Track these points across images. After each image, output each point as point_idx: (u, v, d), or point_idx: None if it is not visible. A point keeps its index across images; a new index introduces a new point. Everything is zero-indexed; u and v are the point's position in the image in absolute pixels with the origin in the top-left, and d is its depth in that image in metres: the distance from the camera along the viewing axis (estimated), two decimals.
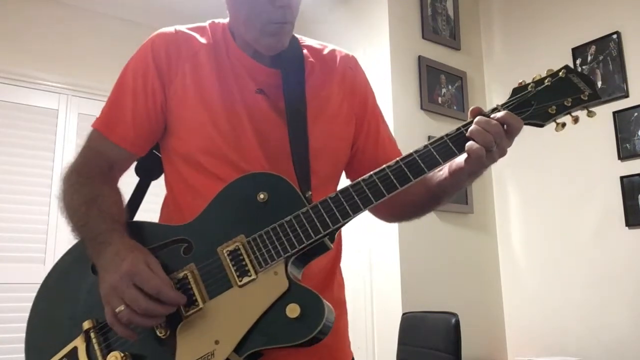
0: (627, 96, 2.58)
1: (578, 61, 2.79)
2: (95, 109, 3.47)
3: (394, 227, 2.68)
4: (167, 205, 1.04)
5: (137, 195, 1.07)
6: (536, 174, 2.92)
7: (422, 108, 2.93)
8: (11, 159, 3.14)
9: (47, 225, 3.16)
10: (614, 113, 2.59)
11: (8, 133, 3.16)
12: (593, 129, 2.63)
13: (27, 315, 3.20)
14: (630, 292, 2.45)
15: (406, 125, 2.83)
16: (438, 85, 3.03)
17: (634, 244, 2.47)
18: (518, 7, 3.17)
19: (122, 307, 0.78)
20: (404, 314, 2.48)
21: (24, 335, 0.95)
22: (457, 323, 2.13)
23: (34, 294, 0.94)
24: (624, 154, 2.54)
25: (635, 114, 2.53)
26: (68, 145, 3.33)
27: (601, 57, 2.70)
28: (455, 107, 3.08)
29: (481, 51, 3.34)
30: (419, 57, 2.98)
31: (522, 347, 2.87)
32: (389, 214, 1.14)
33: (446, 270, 2.81)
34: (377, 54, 2.96)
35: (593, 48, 2.74)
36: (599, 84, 2.68)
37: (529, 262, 2.92)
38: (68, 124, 3.36)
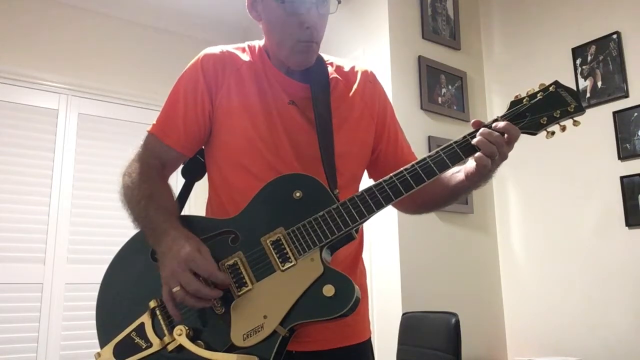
0: (627, 96, 2.57)
1: (578, 61, 2.79)
2: (95, 109, 3.48)
3: (394, 227, 2.68)
4: (211, 202, 1.18)
5: (184, 194, 1.23)
6: (536, 174, 2.92)
7: (422, 108, 2.93)
8: (11, 159, 3.14)
9: (47, 225, 3.16)
10: (614, 113, 2.59)
11: (8, 133, 3.16)
12: (593, 129, 2.63)
13: (26, 314, 3.20)
14: (630, 292, 2.45)
15: (406, 125, 2.78)
16: (438, 85, 3.03)
17: (634, 244, 2.47)
18: (518, 7, 3.17)
19: (178, 288, 0.92)
20: (404, 314, 2.48)
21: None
22: (457, 323, 2.13)
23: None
24: (624, 154, 2.54)
25: (635, 114, 2.53)
26: (68, 145, 3.33)
27: (601, 57, 2.70)
28: (455, 107, 3.08)
29: (481, 51, 3.34)
30: (419, 57, 2.98)
31: (522, 347, 2.87)
32: (413, 208, 1.30)
33: (446, 270, 2.81)
34: (377, 54, 2.96)
35: (593, 48, 2.74)
36: (599, 84, 2.69)
37: (529, 262, 2.92)
38: (68, 124, 3.36)
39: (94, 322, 1.05)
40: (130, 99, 3.57)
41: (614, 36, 2.65)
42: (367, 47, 3.05)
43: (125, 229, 1.11)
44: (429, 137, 2.87)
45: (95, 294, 1.07)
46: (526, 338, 2.87)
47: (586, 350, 2.55)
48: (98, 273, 1.08)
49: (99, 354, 1.00)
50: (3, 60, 3.20)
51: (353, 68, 1.25)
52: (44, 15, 3.39)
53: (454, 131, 2.95)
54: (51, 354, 3.01)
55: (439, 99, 3.02)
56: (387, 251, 2.71)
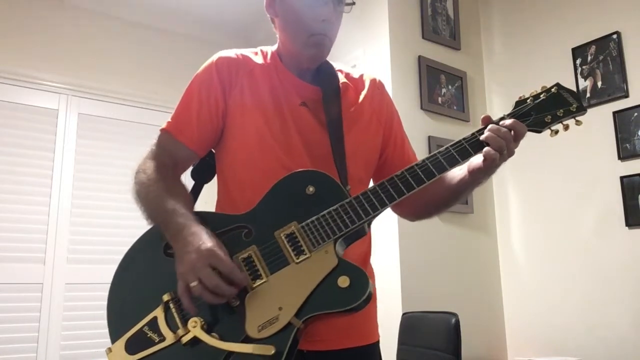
0: (627, 96, 2.58)
1: (578, 61, 2.79)
2: (95, 109, 3.48)
3: (394, 226, 2.68)
4: (220, 200, 1.21)
5: (193, 195, 1.23)
6: (536, 174, 2.92)
7: (422, 108, 2.93)
8: (11, 159, 3.14)
9: (47, 225, 3.16)
10: (614, 113, 2.59)
11: (8, 133, 3.16)
12: (593, 129, 2.63)
13: (26, 314, 3.20)
14: (630, 292, 2.46)
15: (406, 125, 2.78)
16: (438, 85, 3.03)
17: (634, 244, 2.47)
18: (518, 7, 3.17)
19: (195, 283, 0.92)
20: (404, 314, 2.48)
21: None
22: (457, 323, 2.13)
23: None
24: (624, 154, 2.54)
25: (635, 114, 2.53)
26: (68, 145, 3.33)
27: (601, 57, 2.70)
28: (455, 107, 3.08)
29: (481, 51, 3.34)
30: (419, 57, 2.99)
31: (522, 347, 2.88)
32: (414, 212, 1.31)
33: (446, 271, 2.81)
34: (377, 54, 2.96)
35: (593, 48, 2.74)
36: (599, 84, 2.69)
37: (529, 262, 2.92)
38: (68, 124, 3.36)
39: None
40: (130, 99, 3.57)
41: (614, 36, 2.66)
42: (367, 47, 3.06)
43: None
44: (429, 137, 2.88)
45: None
46: (526, 338, 2.87)
47: (586, 350, 2.55)
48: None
49: (110, 349, 1.00)
50: (3, 60, 3.20)
51: (362, 76, 1.30)
52: (44, 15, 3.39)
53: (454, 131, 2.96)
54: (51, 354, 3.00)
55: (439, 99, 3.02)
56: (387, 251, 2.71)
